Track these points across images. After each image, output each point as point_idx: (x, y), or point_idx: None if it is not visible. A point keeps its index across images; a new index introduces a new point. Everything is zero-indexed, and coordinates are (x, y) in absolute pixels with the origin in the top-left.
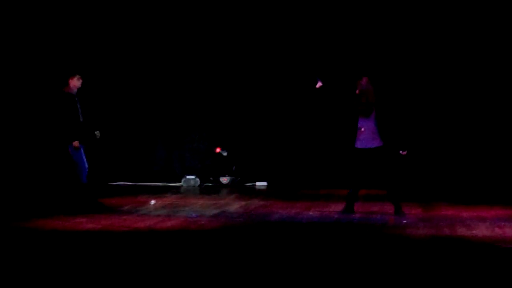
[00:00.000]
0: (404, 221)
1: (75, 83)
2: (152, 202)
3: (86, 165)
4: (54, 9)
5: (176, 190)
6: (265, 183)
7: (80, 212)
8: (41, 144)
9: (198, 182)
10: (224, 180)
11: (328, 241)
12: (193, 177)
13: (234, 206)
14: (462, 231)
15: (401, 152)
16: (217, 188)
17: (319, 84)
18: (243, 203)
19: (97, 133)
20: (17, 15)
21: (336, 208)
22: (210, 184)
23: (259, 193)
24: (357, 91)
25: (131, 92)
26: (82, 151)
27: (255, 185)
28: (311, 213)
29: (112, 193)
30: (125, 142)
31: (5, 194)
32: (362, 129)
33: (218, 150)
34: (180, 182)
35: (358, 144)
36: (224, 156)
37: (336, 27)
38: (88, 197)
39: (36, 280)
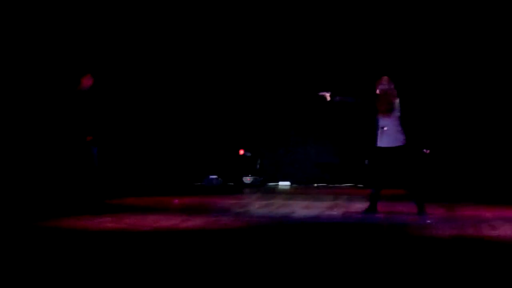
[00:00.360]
0: (428, 221)
1: (87, 82)
2: (175, 201)
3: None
4: (66, 11)
5: (199, 189)
6: (287, 183)
7: (99, 212)
8: (60, 143)
9: (221, 182)
10: (247, 179)
11: (350, 241)
12: (215, 176)
13: (256, 205)
14: (486, 231)
15: (424, 150)
16: (240, 187)
17: (326, 95)
18: (265, 202)
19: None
20: (29, 17)
21: (359, 207)
22: (232, 183)
23: (282, 192)
24: (377, 91)
25: (155, 91)
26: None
27: (278, 184)
28: (333, 212)
29: (136, 192)
30: (149, 142)
31: (27, 194)
32: (385, 128)
33: (241, 152)
34: (202, 181)
35: (380, 143)
36: (248, 156)
37: (356, 27)
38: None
39: (58, 279)
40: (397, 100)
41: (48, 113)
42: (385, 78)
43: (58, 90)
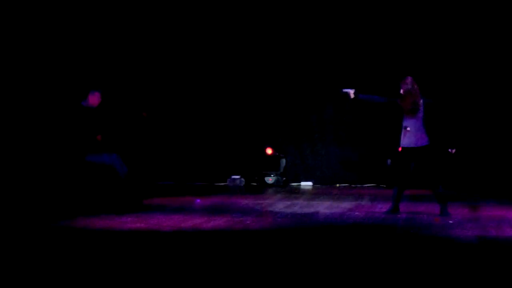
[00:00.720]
0: (450, 222)
1: (94, 100)
2: (198, 201)
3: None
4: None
5: (221, 189)
6: (310, 183)
7: (124, 211)
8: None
9: (243, 182)
10: (269, 180)
11: (373, 242)
12: (238, 176)
13: (279, 206)
14: (509, 231)
15: (450, 150)
16: (262, 188)
17: (350, 92)
18: (288, 203)
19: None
20: (38, 25)
21: (381, 208)
22: (255, 183)
23: (304, 193)
24: (401, 91)
25: (178, 92)
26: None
27: (300, 185)
28: (356, 213)
29: (159, 192)
30: (171, 142)
31: (50, 193)
32: (408, 128)
33: (269, 151)
34: (225, 181)
35: (403, 143)
36: (271, 156)
37: (382, 26)
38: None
39: (80, 279)
40: (421, 101)
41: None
42: (409, 78)
43: (65, 101)
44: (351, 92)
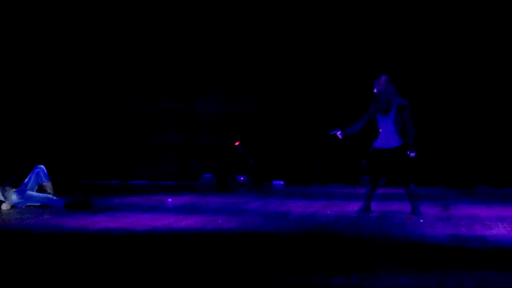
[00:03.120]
0: (421, 221)
1: None
2: (169, 200)
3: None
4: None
5: (193, 189)
6: (282, 182)
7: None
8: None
9: (215, 181)
10: (241, 179)
11: (346, 240)
12: (209, 176)
13: (252, 205)
14: (480, 230)
15: (408, 152)
16: (234, 187)
17: (337, 134)
18: (260, 202)
19: None
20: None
21: (353, 207)
22: (226, 183)
23: (276, 192)
24: (375, 90)
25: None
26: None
27: (272, 184)
28: (328, 212)
29: (131, 191)
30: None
31: None
32: (380, 130)
33: (237, 143)
34: (197, 181)
35: (377, 145)
36: (242, 154)
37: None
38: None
39: (57, 282)
40: (395, 100)
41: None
42: (383, 77)
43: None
44: (338, 133)
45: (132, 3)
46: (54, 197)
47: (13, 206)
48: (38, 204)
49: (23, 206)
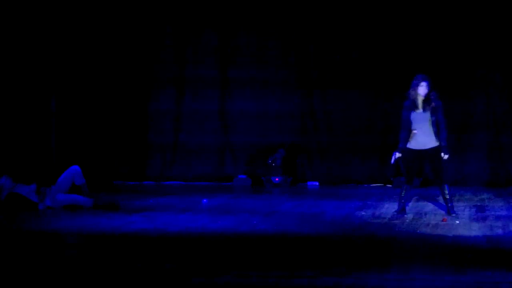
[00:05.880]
0: (457, 222)
1: None
2: (204, 201)
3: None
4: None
5: (228, 189)
6: (317, 183)
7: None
8: None
9: (250, 182)
10: (276, 180)
11: (380, 242)
12: (244, 176)
13: (286, 206)
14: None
15: (442, 154)
16: (269, 188)
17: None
18: (295, 203)
19: None
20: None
21: (388, 208)
22: (261, 184)
23: (311, 193)
24: (412, 91)
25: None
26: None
27: (307, 184)
28: (363, 213)
29: (165, 192)
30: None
31: None
32: (415, 131)
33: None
34: (231, 181)
35: (411, 145)
36: (277, 156)
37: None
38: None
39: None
40: (433, 103)
41: None
42: (419, 76)
43: None
44: (397, 155)
45: None
46: (85, 198)
47: (49, 207)
48: (68, 204)
49: (58, 207)
